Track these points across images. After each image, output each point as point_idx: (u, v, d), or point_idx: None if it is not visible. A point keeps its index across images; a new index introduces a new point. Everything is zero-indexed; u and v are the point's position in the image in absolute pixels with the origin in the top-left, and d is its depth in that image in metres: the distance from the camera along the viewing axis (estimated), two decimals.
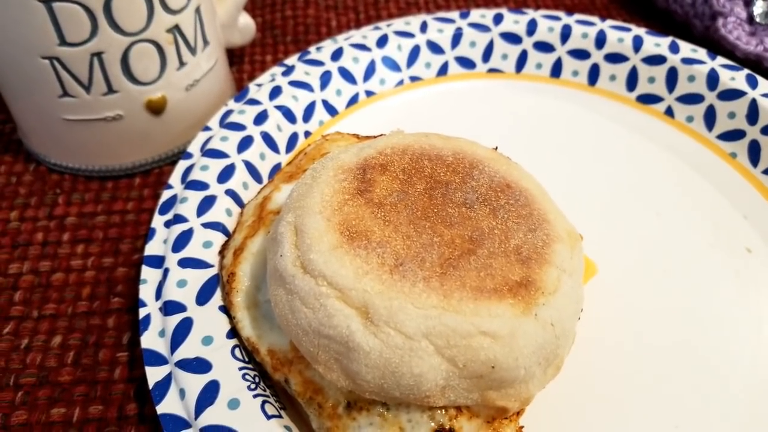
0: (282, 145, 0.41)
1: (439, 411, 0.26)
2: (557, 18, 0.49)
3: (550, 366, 0.26)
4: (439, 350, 0.24)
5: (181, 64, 0.41)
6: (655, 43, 0.47)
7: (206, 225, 0.35)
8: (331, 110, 0.45)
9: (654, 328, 0.34)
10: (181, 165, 0.39)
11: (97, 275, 0.38)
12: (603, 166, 0.43)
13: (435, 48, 0.48)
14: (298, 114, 0.43)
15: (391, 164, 0.30)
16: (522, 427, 0.27)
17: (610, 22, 0.48)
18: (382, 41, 0.47)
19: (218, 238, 0.34)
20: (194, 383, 0.28)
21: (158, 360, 0.30)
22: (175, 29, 0.40)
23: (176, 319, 0.31)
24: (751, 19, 0.51)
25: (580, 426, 0.30)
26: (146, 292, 0.33)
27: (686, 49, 0.46)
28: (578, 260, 0.28)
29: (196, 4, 0.41)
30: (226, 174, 0.37)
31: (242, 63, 0.53)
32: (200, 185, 0.37)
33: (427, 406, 0.25)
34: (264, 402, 0.28)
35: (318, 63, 0.45)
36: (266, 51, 0.55)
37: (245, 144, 0.39)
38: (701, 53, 0.46)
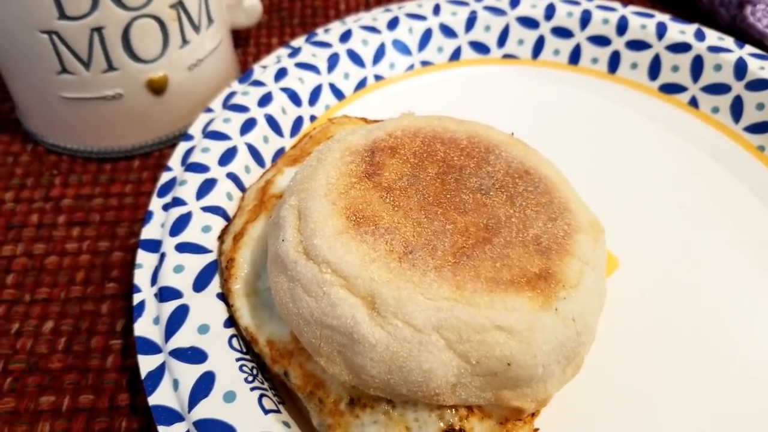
0: (286, 128, 0.40)
1: (448, 410, 0.24)
2: (577, 3, 0.47)
3: (569, 365, 0.24)
4: (451, 345, 0.23)
5: (184, 42, 0.40)
6: (680, 31, 0.44)
7: (206, 209, 0.33)
8: (338, 94, 0.43)
9: (678, 326, 0.32)
10: (182, 147, 0.37)
11: (92, 259, 0.37)
12: (623, 157, 0.41)
13: (448, 32, 0.46)
14: (304, 97, 0.41)
15: (401, 147, 0.29)
16: (537, 429, 0.26)
17: (632, 7, 0.46)
18: (392, 24, 0.45)
19: (218, 223, 0.33)
20: (188, 374, 0.27)
21: (152, 348, 0.28)
22: (179, 5, 0.38)
23: (171, 306, 0.29)
24: None
25: (598, 430, 0.28)
26: (141, 277, 0.31)
27: (713, 36, 0.44)
28: (601, 253, 0.26)
29: None
30: (227, 157, 0.36)
31: (248, 45, 0.52)
32: (200, 168, 0.35)
33: (436, 404, 0.24)
34: (261, 396, 0.26)
35: (326, 45, 0.43)
36: (272, 33, 0.53)
37: (248, 126, 0.38)
38: (728, 41, 0.44)
